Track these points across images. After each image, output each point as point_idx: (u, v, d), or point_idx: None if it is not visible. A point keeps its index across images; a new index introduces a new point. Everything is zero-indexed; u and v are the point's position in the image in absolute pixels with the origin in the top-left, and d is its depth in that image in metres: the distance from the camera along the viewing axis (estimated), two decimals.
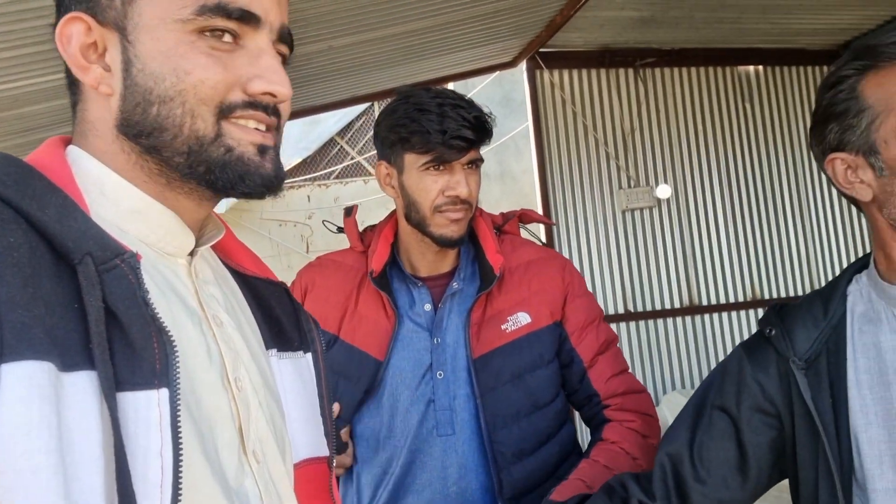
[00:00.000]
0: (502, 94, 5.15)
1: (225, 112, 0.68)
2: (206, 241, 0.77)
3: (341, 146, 5.29)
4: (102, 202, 0.68)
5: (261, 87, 0.69)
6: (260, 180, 0.71)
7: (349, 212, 1.61)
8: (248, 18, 0.69)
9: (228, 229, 0.85)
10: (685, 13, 3.19)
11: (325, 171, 5.27)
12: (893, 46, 0.90)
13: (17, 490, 0.53)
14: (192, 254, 0.75)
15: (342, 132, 5.30)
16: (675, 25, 3.35)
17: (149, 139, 0.68)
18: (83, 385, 0.57)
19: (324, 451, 0.87)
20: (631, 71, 3.73)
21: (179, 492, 0.61)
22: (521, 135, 4.97)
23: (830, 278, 1.11)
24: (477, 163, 1.42)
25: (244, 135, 0.69)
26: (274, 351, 0.84)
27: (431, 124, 1.35)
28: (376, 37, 2.81)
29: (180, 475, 0.61)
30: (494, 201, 5.21)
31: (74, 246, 0.59)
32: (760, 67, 3.90)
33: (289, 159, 5.13)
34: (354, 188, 5.31)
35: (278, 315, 0.86)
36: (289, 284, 0.94)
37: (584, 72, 3.69)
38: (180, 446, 0.61)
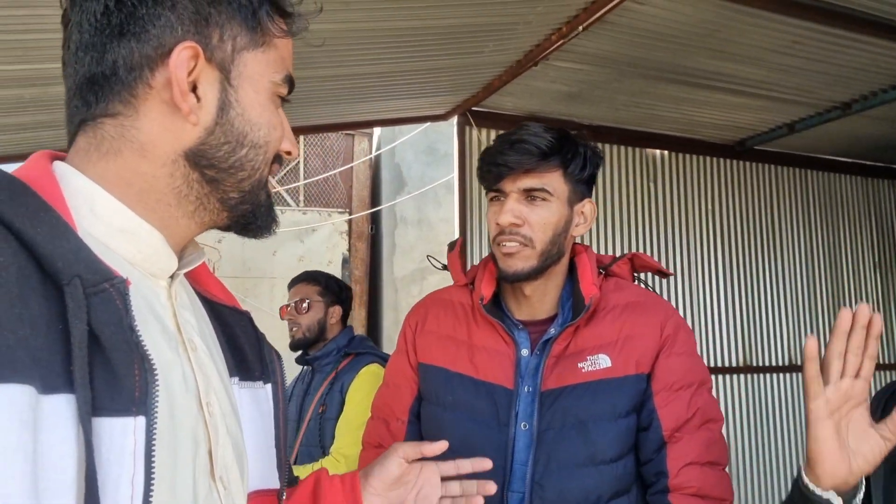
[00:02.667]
0: (427, 143, 5.32)
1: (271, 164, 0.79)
2: (186, 265, 0.80)
3: None
4: (92, 220, 0.69)
5: (288, 147, 0.80)
6: (275, 225, 0.82)
7: (452, 246, 1.53)
8: (292, 90, 0.80)
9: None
10: (608, 94, 3.45)
11: None
12: None
13: None
14: (172, 276, 0.77)
15: None
16: (597, 104, 3.61)
17: (219, 173, 0.74)
18: (61, 409, 0.56)
19: (274, 483, 0.88)
20: None
21: None
22: (442, 185, 5.13)
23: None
24: (537, 192, 1.32)
25: (271, 184, 0.80)
26: (236, 379, 0.85)
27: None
28: (325, 75, 2.89)
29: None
30: (409, 246, 5.31)
31: (64, 266, 0.59)
32: (666, 152, 4.24)
33: None
34: None
35: (242, 343, 0.88)
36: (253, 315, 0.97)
37: None
38: (152, 475, 0.62)
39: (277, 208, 0.88)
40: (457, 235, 3.96)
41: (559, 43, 2.81)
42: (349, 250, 5.45)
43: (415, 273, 5.31)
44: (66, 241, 0.61)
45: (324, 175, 5.44)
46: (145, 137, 0.71)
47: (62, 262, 0.59)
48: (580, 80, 3.29)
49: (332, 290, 2.72)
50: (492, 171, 1.34)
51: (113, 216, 0.70)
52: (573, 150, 1.38)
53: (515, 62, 3.04)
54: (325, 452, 2.46)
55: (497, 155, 1.33)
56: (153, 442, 0.62)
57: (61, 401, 0.56)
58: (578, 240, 1.52)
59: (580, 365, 1.32)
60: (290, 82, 0.78)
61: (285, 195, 5.33)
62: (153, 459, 0.62)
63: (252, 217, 0.78)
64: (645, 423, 1.31)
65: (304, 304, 2.65)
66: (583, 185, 1.42)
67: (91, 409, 0.57)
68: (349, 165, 5.49)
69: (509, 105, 3.66)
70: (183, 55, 0.70)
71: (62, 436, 0.56)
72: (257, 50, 0.75)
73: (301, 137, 5.30)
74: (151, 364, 0.62)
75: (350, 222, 5.46)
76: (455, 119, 3.80)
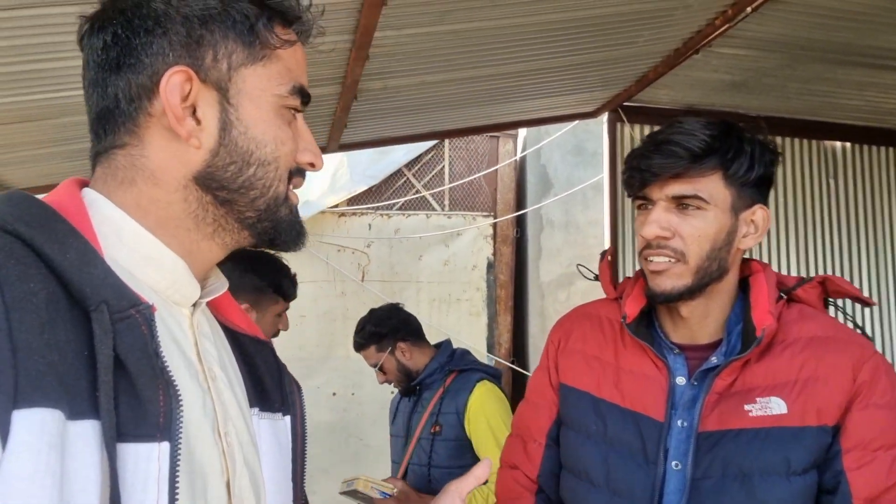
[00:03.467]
0: (575, 143, 5.11)
1: (289, 179, 0.78)
2: (209, 294, 0.81)
3: (408, 178, 5.30)
4: (118, 247, 0.70)
5: (309, 159, 0.79)
6: (304, 239, 0.82)
7: (604, 255, 1.42)
8: (307, 101, 0.79)
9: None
10: (779, 82, 3.13)
11: (389, 202, 5.28)
12: None
13: None
14: (194, 304, 0.78)
15: (410, 164, 5.31)
16: (766, 93, 3.29)
17: (230, 194, 0.74)
18: (87, 434, 0.58)
19: None
20: None
21: None
22: (591, 186, 4.92)
23: None
24: (689, 200, 1.16)
25: (293, 198, 0.79)
26: (256, 409, 0.85)
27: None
28: (468, 76, 2.81)
29: None
30: (556, 249, 5.14)
31: (92, 293, 0.61)
32: (848, 144, 3.79)
33: (355, 186, 5.16)
34: (416, 222, 5.30)
35: (262, 374, 0.87)
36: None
37: None
38: (176, 502, 0.62)
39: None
40: (606, 239, 3.75)
41: (723, 28, 2.55)
42: (494, 254, 5.36)
43: (562, 278, 5.12)
44: (94, 267, 0.62)
45: (468, 178, 5.39)
46: (154, 165, 0.72)
47: (90, 289, 0.61)
48: (746, 68, 3.00)
49: (381, 334, 2.66)
50: (634, 177, 1.19)
51: (139, 243, 0.71)
52: (736, 147, 1.18)
53: (673, 51, 2.81)
54: (431, 474, 2.39)
55: (640, 158, 1.18)
56: (177, 468, 0.62)
57: (87, 427, 0.58)
58: (747, 253, 1.31)
59: (747, 407, 1.15)
60: (300, 93, 0.77)
61: (430, 199, 5.34)
62: (177, 485, 0.62)
63: (275, 233, 0.78)
64: (829, 485, 1.12)
65: (378, 368, 2.64)
66: (751, 189, 1.22)
67: (116, 434, 0.58)
68: (494, 168, 5.40)
69: (665, 98, 3.41)
70: (173, 80, 0.70)
71: (87, 461, 0.57)
72: (256, 65, 0.74)
73: (446, 141, 5.28)
74: (176, 390, 0.63)
75: (495, 226, 5.37)
76: (605, 116, 3.60)
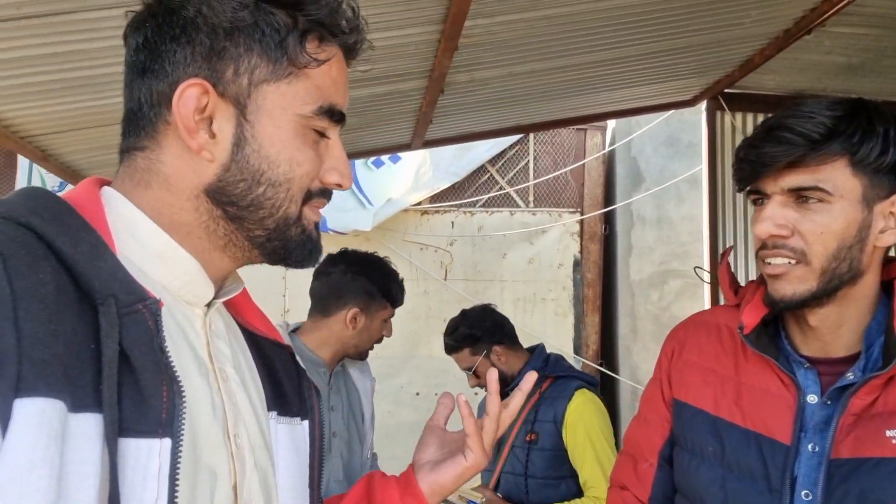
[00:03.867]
0: (668, 133, 4.88)
1: (306, 198, 0.75)
2: (224, 294, 0.80)
3: (491, 174, 5.20)
4: (131, 244, 0.70)
5: (335, 179, 0.77)
6: (318, 255, 0.79)
7: (723, 256, 1.29)
8: (341, 120, 0.76)
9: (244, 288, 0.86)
10: None
11: (472, 199, 5.19)
12: None
13: None
14: (208, 305, 0.77)
15: (493, 160, 5.20)
16: (886, 75, 3.02)
17: (240, 211, 0.73)
18: (88, 428, 0.57)
19: None
20: None
21: None
22: (686, 179, 4.68)
23: None
24: (809, 192, 1.02)
25: (313, 216, 0.77)
26: (274, 413, 0.84)
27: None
28: (557, 66, 2.69)
29: None
30: (647, 247, 4.92)
31: (100, 286, 0.61)
32: None
33: (437, 183, 5.09)
34: (499, 219, 5.20)
35: (281, 378, 0.87)
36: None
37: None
38: (176, 499, 0.62)
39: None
40: (705, 236, 3.54)
41: (841, 4, 2.33)
42: (581, 252, 5.19)
43: (654, 276, 4.89)
44: (103, 261, 0.63)
45: (554, 174, 5.23)
46: (169, 171, 0.72)
47: (98, 282, 0.61)
48: (864, 48, 2.75)
49: (476, 337, 2.53)
50: (744, 169, 1.05)
51: (152, 241, 0.71)
52: (864, 128, 1.01)
53: (783, 32, 2.60)
54: (528, 484, 2.30)
55: (750, 147, 1.04)
56: (178, 465, 0.62)
57: (89, 419, 0.57)
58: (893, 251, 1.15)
59: (889, 433, 1.01)
60: (328, 113, 0.74)
61: (514, 196, 5.22)
62: (177, 483, 0.62)
63: (285, 252, 0.76)
64: None
65: (472, 372, 2.53)
66: (888, 176, 1.04)
67: (118, 429, 0.58)
68: (581, 163, 5.23)
69: (771, 84, 3.18)
70: (188, 93, 0.69)
71: (87, 456, 0.57)
72: (280, 82, 0.72)
73: (531, 136, 5.15)
74: (180, 386, 0.63)
75: (582, 222, 5.20)
76: (704, 104, 3.40)
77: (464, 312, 2.60)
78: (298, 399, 0.88)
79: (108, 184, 0.75)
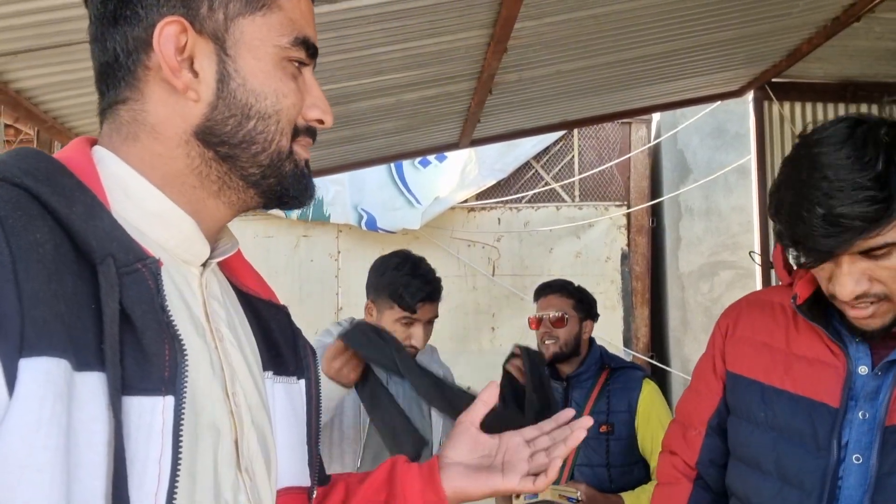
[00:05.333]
0: (715, 124, 4.84)
1: (295, 133, 0.75)
2: (219, 254, 0.79)
3: (536, 170, 5.23)
4: (126, 203, 0.69)
5: (317, 115, 0.76)
6: (313, 191, 0.79)
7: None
8: (314, 54, 0.76)
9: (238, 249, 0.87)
10: None
11: (518, 195, 5.23)
12: None
13: (20, 487, 0.53)
14: (204, 265, 0.77)
15: (538, 156, 5.23)
16: None
17: (232, 149, 0.72)
18: (93, 386, 0.58)
19: (305, 480, 0.86)
20: (875, 108, 3.35)
21: (174, 503, 0.61)
22: (734, 170, 4.64)
23: None
24: (877, 252, 1.03)
25: (303, 153, 0.77)
26: (270, 373, 0.84)
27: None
28: (603, 62, 2.72)
29: (176, 486, 0.62)
30: (696, 238, 4.90)
31: (98, 246, 0.61)
32: None
33: (483, 180, 5.15)
34: (545, 214, 5.22)
35: (276, 338, 0.87)
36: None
37: (820, 106, 3.37)
38: (179, 456, 0.62)
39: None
40: (755, 225, 3.52)
41: None
42: (628, 245, 5.19)
43: (703, 268, 4.87)
44: (100, 220, 0.63)
45: (599, 168, 5.24)
46: (154, 119, 0.71)
47: (96, 242, 0.61)
48: None
49: (586, 303, 2.56)
50: (811, 256, 1.07)
51: (146, 199, 0.71)
52: None
53: (832, 20, 2.58)
54: (611, 474, 2.37)
55: (808, 238, 1.04)
56: (181, 422, 0.62)
57: (93, 378, 0.58)
58: None
59: None
60: (304, 44, 0.74)
61: (560, 191, 5.25)
62: (181, 439, 0.62)
63: (281, 189, 0.76)
64: None
65: (564, 318, 2.49)
66: None
67: (121, 387, 0.58)
68: (626, 156, 5.22)
69: (819, 72, 3.16)
70: (167, 31, 0.68)
71: (93, 414, 0.57)
72: (255, 14, 0.71)
73: (575, 131, 5.16)
74: (182, 344, 0.63)
75: (629, 216, 5.19)
76: (751, 94, 3.39)
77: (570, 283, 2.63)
78: (294, 358, 0.88)
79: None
